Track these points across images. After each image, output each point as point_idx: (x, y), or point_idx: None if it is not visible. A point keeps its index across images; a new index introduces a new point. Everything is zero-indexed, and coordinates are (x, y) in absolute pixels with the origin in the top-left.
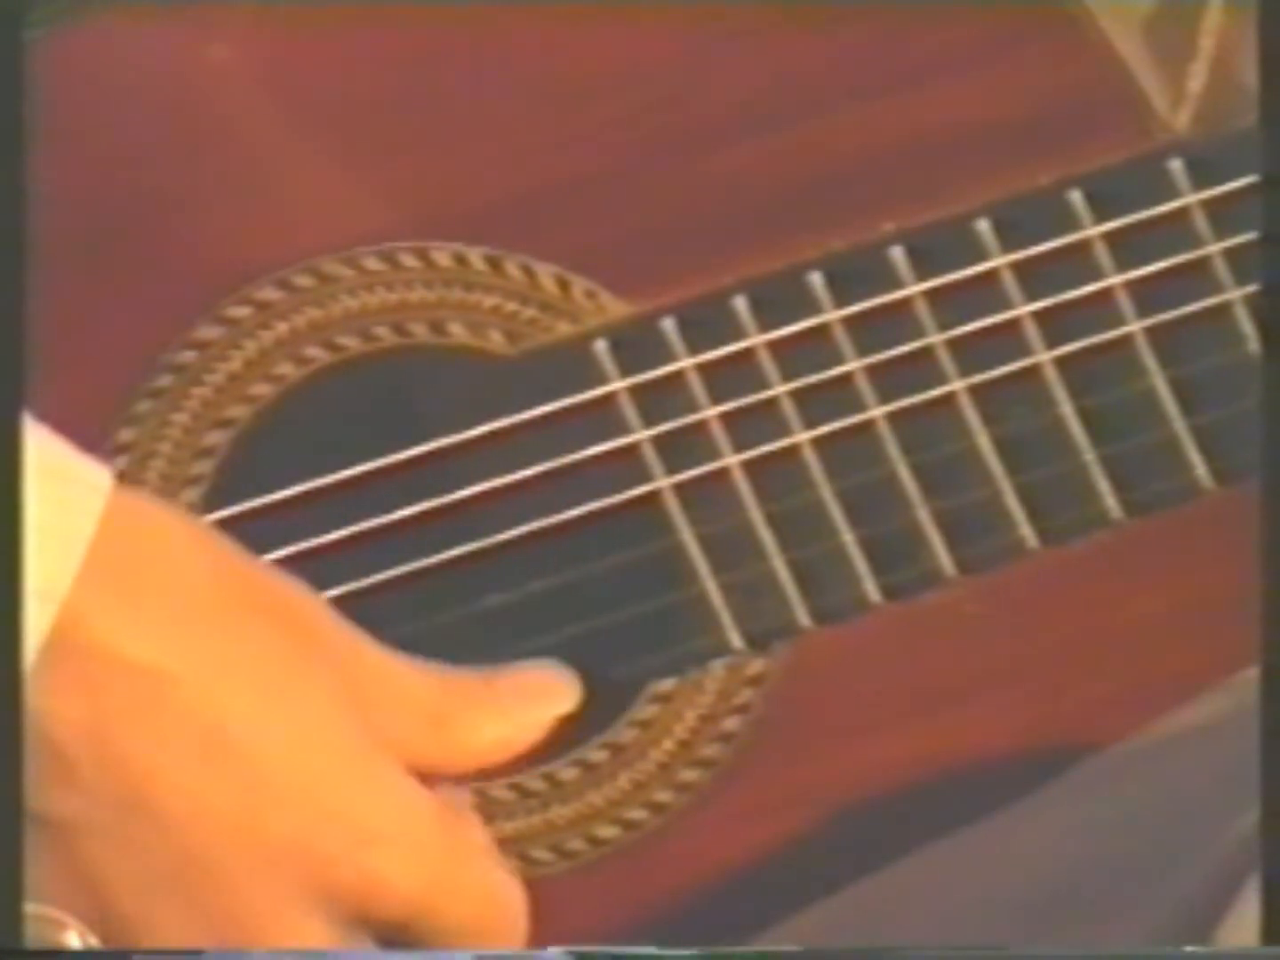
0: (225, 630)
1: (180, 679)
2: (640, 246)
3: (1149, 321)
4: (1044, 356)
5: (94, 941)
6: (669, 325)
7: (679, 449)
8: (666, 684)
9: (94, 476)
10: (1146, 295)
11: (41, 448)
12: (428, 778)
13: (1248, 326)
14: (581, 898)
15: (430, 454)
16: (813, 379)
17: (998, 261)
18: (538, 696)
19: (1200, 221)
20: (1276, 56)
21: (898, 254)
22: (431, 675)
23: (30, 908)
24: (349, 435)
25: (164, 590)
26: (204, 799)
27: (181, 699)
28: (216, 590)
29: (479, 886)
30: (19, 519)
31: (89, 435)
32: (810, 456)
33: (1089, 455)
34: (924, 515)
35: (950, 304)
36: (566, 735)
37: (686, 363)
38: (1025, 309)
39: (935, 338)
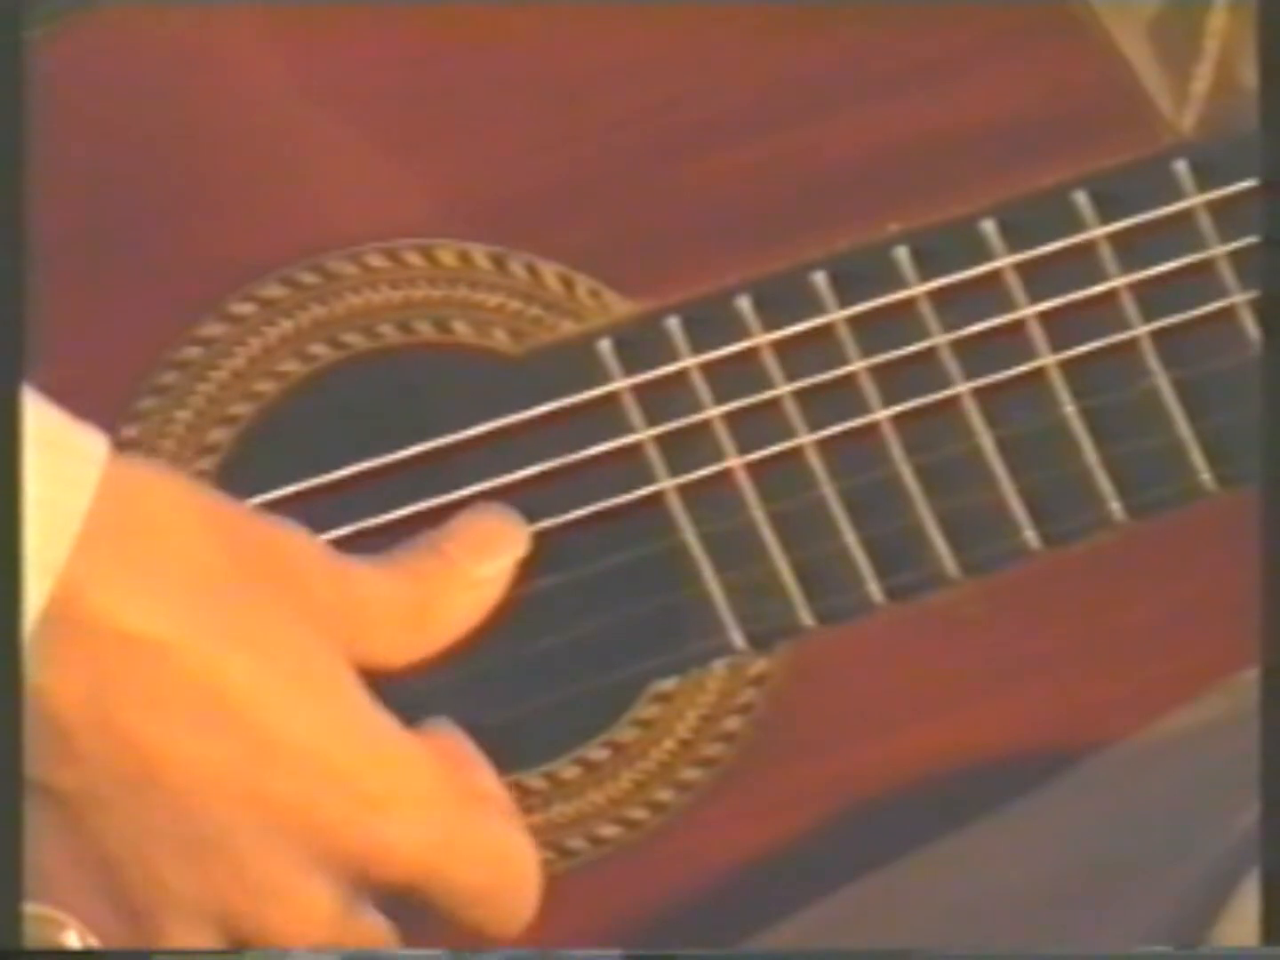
0: (222, 598)
1: (178, 648)
2: (644, 246)
3: (1154, 325)
4: (1049, 359)
5: (94, 941)
6: (673, 324)
7: (682, 448)
8: (668, 683)
9: (90, 446)
10: (1151, 297)
11: (37, 418)
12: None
13: (1251, 329)
14: (582, 897)
15: (434, 452)
16: (817, 379)
17: (1002, 262)
18: (492, 549)
19: (1205, 223)
20: (1276, 59)
21: (902, 254)
22: (398, 571)
23: (30, 908)
24: (353, 433)
25: (160, 561)
26: (207, 768)
27: (180, 668)
28: (211, 557)
29: (488, 849)
30: (18, 493)
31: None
32: (814, 457)
33: (1092, 457)
34: (927, 516)
35: (954, 305)
36: (568, 735)
37: (690, 362)
38: (1029, 310)
39: (939, 339)
